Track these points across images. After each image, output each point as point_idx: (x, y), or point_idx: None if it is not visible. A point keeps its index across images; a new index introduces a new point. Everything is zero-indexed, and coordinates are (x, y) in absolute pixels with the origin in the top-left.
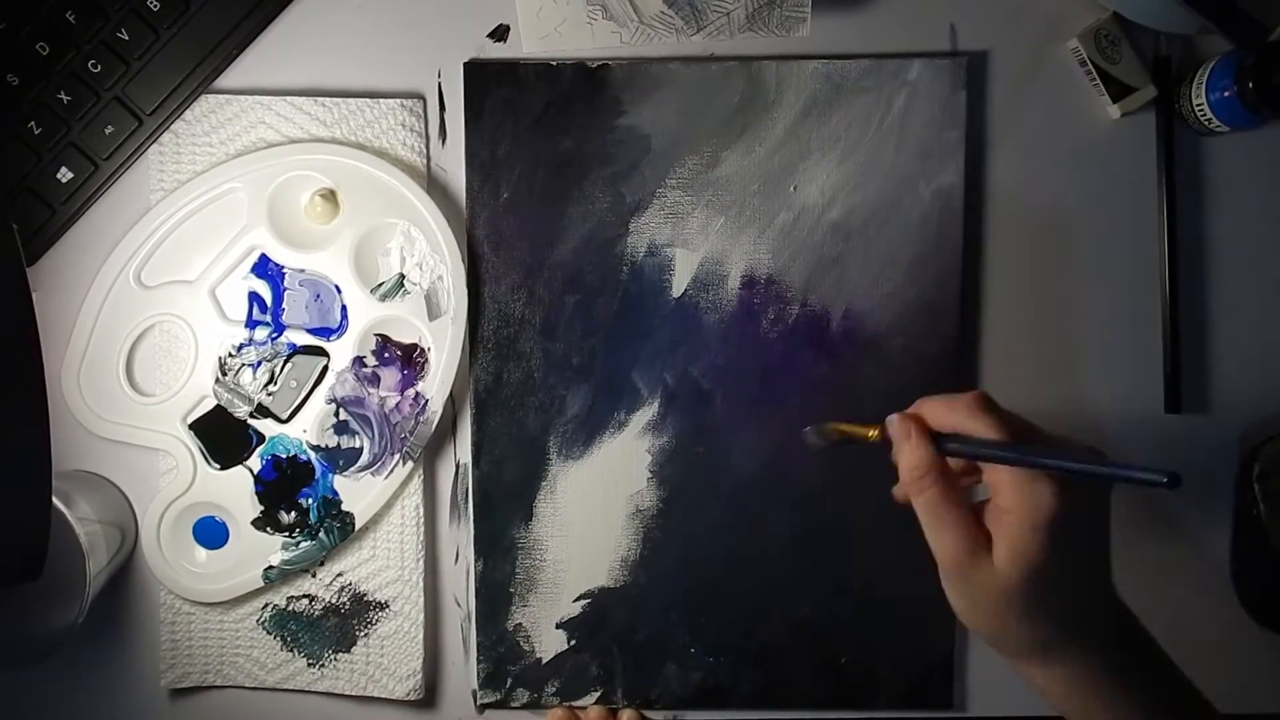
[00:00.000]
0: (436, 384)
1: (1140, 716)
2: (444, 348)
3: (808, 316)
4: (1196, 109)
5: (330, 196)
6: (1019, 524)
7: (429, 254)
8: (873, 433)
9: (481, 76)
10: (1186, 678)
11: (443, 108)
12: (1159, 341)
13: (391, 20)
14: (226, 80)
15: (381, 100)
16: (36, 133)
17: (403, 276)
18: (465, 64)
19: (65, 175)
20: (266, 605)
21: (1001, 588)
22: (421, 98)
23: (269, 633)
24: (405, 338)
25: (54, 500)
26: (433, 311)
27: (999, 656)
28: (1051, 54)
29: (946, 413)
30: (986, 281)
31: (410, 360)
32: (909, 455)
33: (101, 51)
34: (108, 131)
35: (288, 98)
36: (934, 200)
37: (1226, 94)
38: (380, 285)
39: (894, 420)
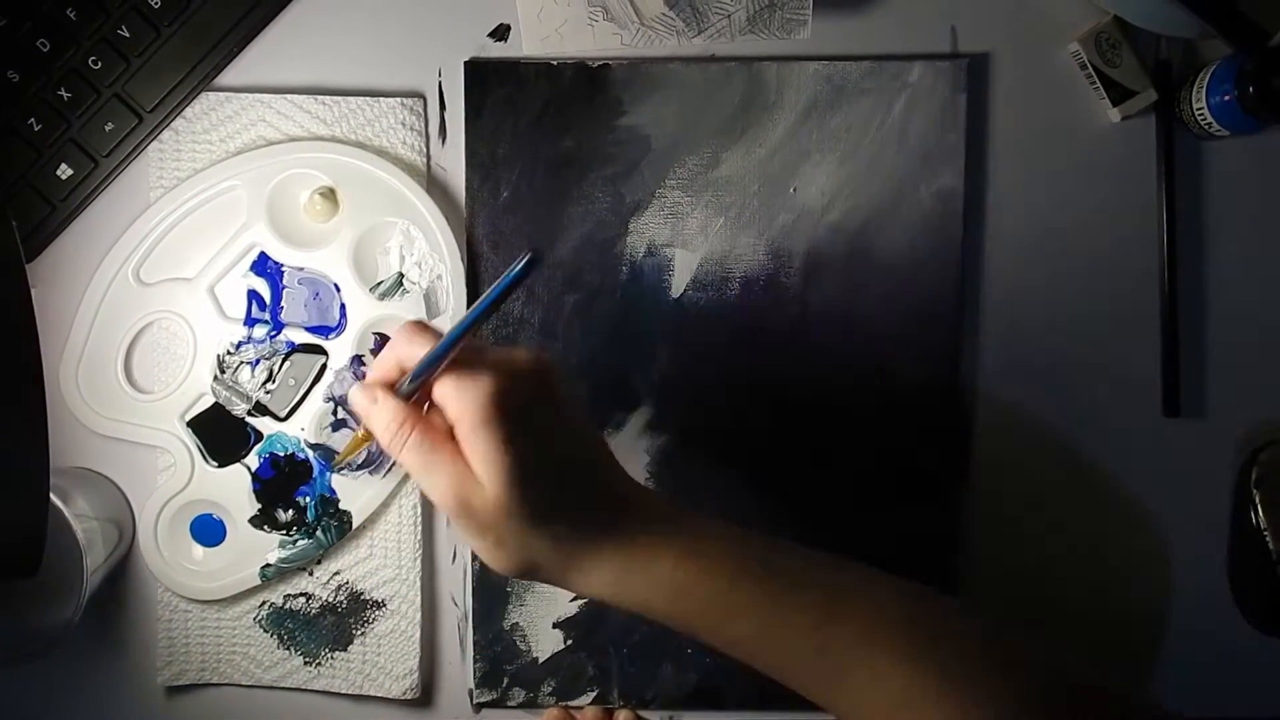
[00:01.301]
0: None
1: (696, 586)
2: None
3: (807, 318)
4: (1197, 113)
5: (330, 195)
6: (473, 426)
7: (428, 253)
8: (360, 432)
9: (482, 75)
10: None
11: (443, 107)
12: (1157, 345)
13: (392, 19)
14: (227, 78)
15: (382, 99)
16: (37, 129)
17: (402, 275)
18: (466, 63)
19: (65, 172)
20: (263, 603)
21: (497, 504)
22: (422, 97)
23: (266, 631)
24: None
25: (51, 497)
26: (431, 311)
27: (550, 589)
28: (1052, 57)
29: (390, 359)
30: (985, 284)
31: None
32: (378, 419)
33: (102, 48)
34: (108, 128)
35: (288, 96)
36: (934, 202)
37: (1227, 98)
38: (379, 284)
39: (351, 397)
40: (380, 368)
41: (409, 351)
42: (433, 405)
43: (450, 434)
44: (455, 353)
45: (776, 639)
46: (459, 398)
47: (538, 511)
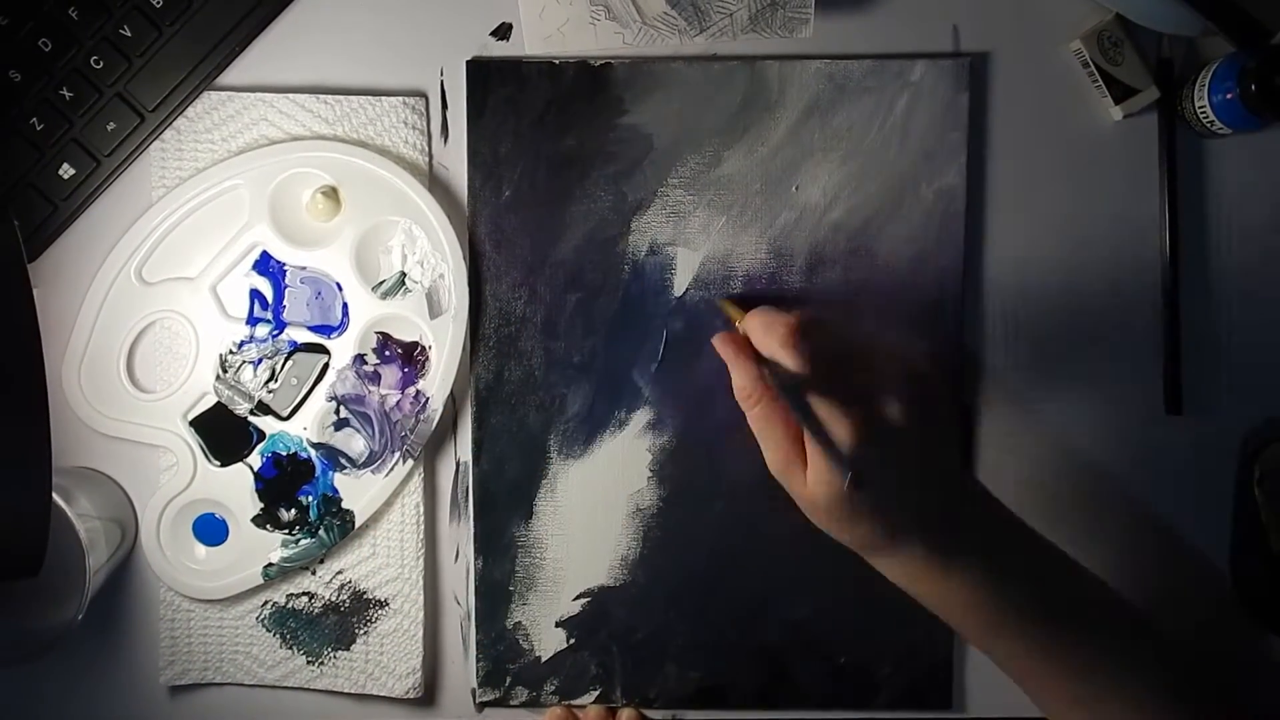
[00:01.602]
0: (437, 382)
1: (993, 597)
2: (445, 346)
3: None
4: (1199, 111)
5: (332, 194)
6: (814, 465)
7: (430, 252)
8: (738, 321)
9: (484, 74)
10: (1062, 556)
11: (445, 106)
12: (1159, 343)
13: (394, 18)
14: (229, 77)
15: (384, 98)
16: (39, 129)
17: (404, 274)
18: (468, 62)
19: (67, 171)
20: (266, 602)
21: (812, 501)
22: (424, 96)
23: (268, 630)
24: (406, 336)
25: (54, 497)
26: (434, 310)
27: (552, 589)
28: (1054, 55)
29: (764, 337)
30: (987, 282)
31: (411, 358)
32: (736, 375)
33: (104, 48)
34: (110, 128)
35: (290, 95)
36: (936, 201)
37: (1229, 96)
38: (381, 283)
39: (718, 340)
40: (754, 330)
41: (779, 354)
42: None
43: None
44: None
45: (1035, 684)
46: (826, 418)
47: (851, 519)
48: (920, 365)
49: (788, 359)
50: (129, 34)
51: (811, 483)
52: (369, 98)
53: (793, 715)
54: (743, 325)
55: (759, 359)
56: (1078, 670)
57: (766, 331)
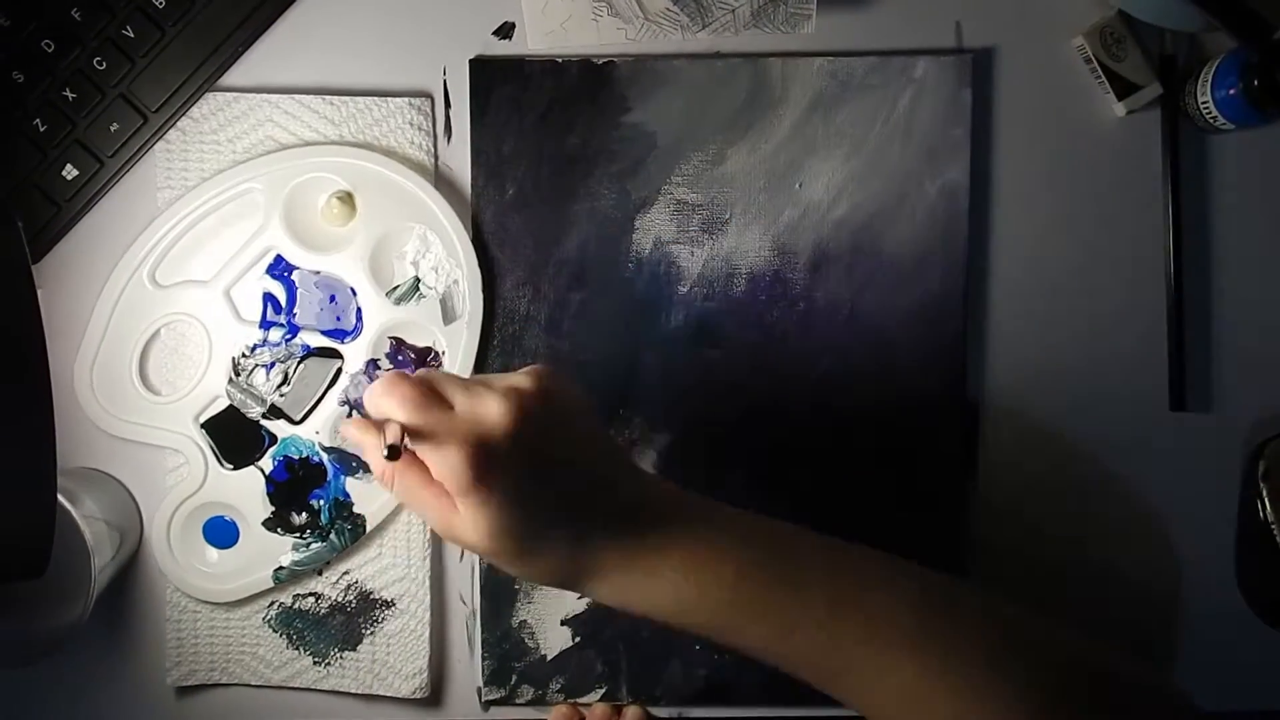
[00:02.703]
0: None
1: (700, 598)
2: (458, 351)
3: (812, 314)
4: (1202, 106)
5: (347, 199)
6: (453, 493)
7: (444, 258)
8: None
9: (487, 73)
10: (762, 522)
11: (448, 105)
12: (1163, 339)
13: (396, 17)
14: (231, 78)
15: (390, 99)
16: (42, 130)
17: (418, 280)
18: (471, 61)
19: (70, 172)
20: (273, 603)
21: (485, 548)
22: (429, 96)
23: (275, 631)
24: (419, 341)
25: (59, 498)
26: (447, 315)
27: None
28: (1057, 51)
29: (371, 401)
30: (991, 278)
31: (424, 363)
32: (371, 463)
33: (107, 48)
34: (113, 129)
35: (295, 96)
36: (939, 197)
37: (1232, 91)
38: (395, 288)
39: (347, 432)
40: (367, 406)
41: (383, 406)
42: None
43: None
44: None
45: (783, 644)
46: (435, 465)
47: (525, 553)
48: (518, 379)
49: (389, 407)
50: (132, 35)
51: (476, 533)
52: (375, 98)
53: (798, 712)
54: (365, 402)
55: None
56: (820, 636)
57: (370, 396)
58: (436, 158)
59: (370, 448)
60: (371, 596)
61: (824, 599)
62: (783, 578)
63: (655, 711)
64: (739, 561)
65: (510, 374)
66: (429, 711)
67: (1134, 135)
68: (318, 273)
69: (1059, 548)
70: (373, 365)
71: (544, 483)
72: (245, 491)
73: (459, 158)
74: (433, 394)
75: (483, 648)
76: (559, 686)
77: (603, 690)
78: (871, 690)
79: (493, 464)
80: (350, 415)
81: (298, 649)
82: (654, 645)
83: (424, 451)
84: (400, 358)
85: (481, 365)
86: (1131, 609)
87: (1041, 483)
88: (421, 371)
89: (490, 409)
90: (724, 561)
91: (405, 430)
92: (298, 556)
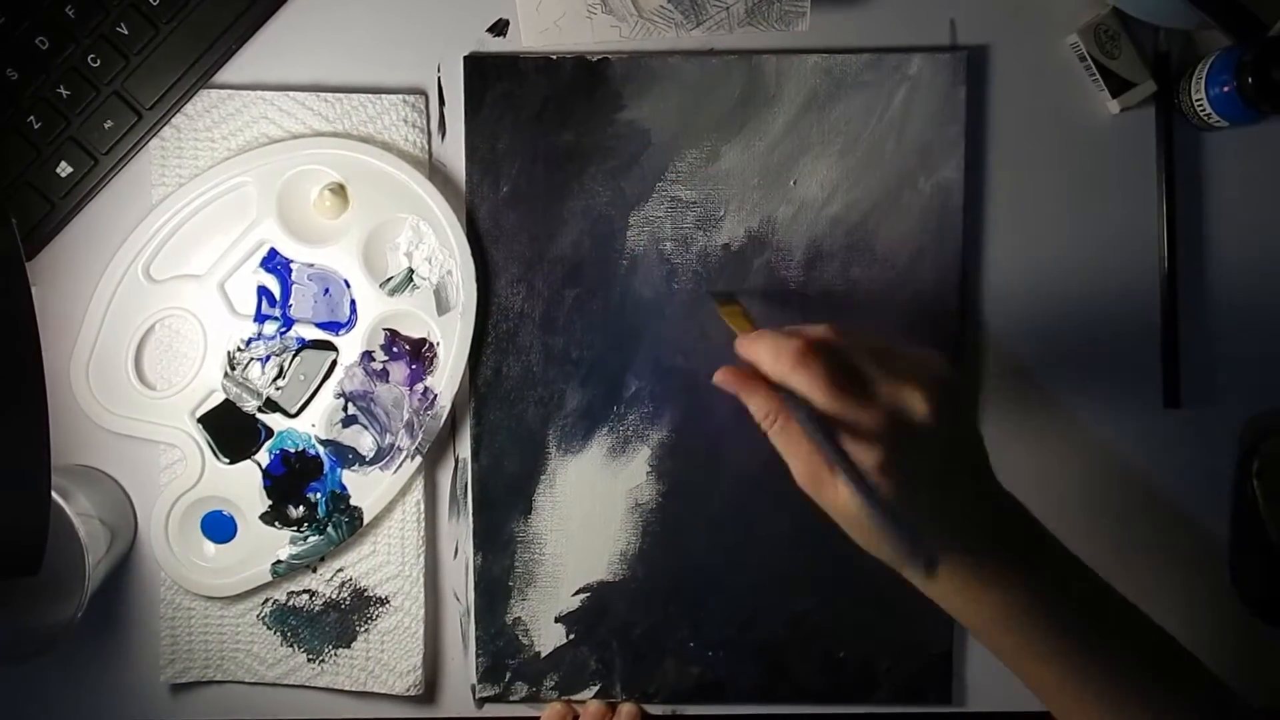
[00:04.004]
0: (445, 379)
1: (1030, 617)
2: (453, 343)
3: (807, 310)
4: (1196, 104)
5: (340, 191)
6: (853, 483)
7: (438, 249)
8: (740, 334)
9: (481, 70)
10: (1094, 576)
11: (442, 102)
12: (1158, 336)
13: (390, 14)
14: (226, 75)
15: (384, 96)
16: (36, 127)
17: (412, 271)
18: (465, 58)
19: (65, 170)
20: (267, 600)
21: (846, 516)
22: (423, 93)
23: (269, 628)
24: (414, 332)
25: (53, 495)
26: (441, 306)
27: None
28: (1051, 49)
29: (772, 363)
30: (985, 276)
31: (419, 355)
32: (750, 403)
33: (101, 46)
34: (107, 126)
35: (290, 93)
36: (934, 195)
37: (1226, 89)
38: (389, 280)
39: (721, 376)
40: (763, 355)
41: (792, 379)
42: None
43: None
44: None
45: (1062, 706)
46: (850, 447)
47: (877, 532)
48: (939, 369)
49: (800, 383)
50: (126, 32)
51: (845, 498)
52: (369, 95)
53: (792, 710)
54: (746, 351)
55: (769, 382)
56: (1110, 698)
57: (774, 358)
58: (431, 155)
59: (751, 396)
60: (366, 594)
61: (1106, 690)
62: (1084, 654)
63: (649, 709)
64: (1056, 618)
65: (925, 356)
66: (423, 708)
67: (1128, 132)
68: (311, 265)
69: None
70: (367, 357)
71: (937, 485)
72: (242, 485)
73: (453, 155)
74: (846, 375)
75: (477, 645)
76: (553, 684)
77: (597, 687)
78: None
79: (904, 466)
80: (346, 408)
81: (292, 646)
82: (648, 642)
83: (845, 437)
84: (395, 349)
85: (476, 363)
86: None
87: (1035, 479)
88: (827, 332)
89: (914, 405)
90: (1040, 615)
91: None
92: (296, 549)
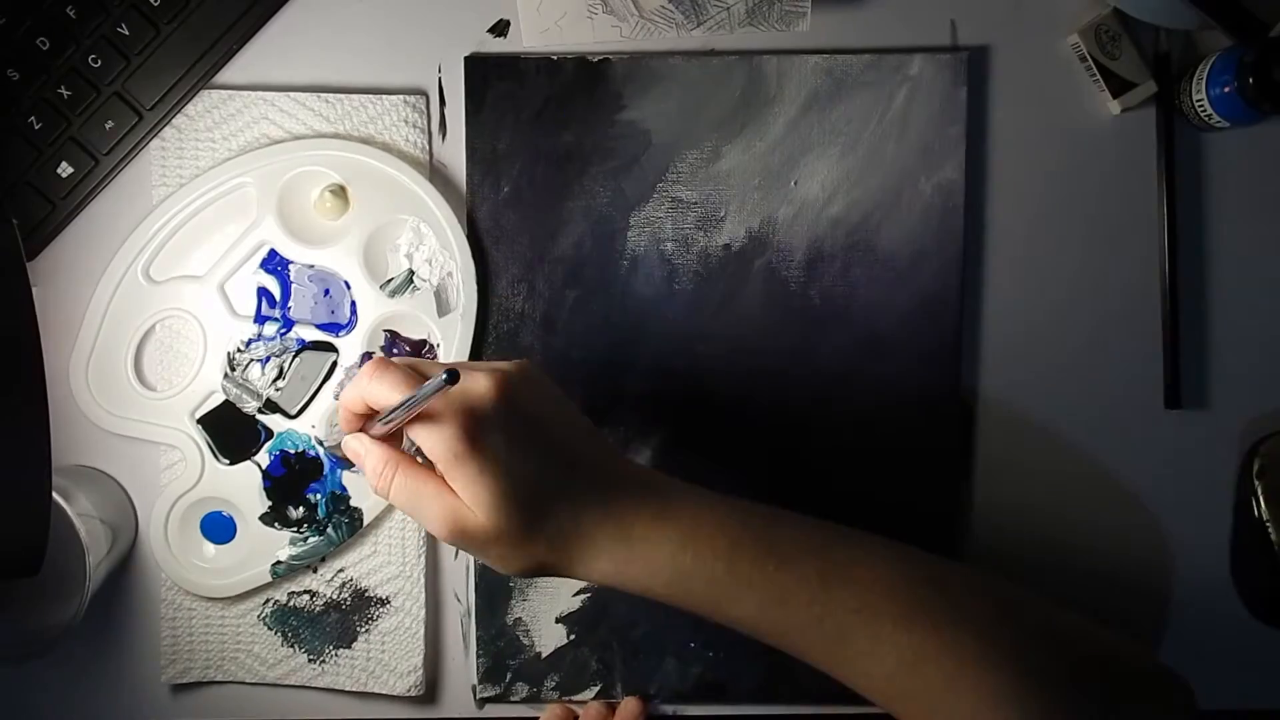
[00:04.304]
0: None
1: (694, 571)
2: (453, 344)
3: (808, 312)
4: (1197, 104)
5: (340, 192)
6: (447, 469)
7: (438, 250)
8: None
9: (482, 70)
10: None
11: (443, 102)
12: (1159, 337)
13: (391, 15)
14: (226, 76)
15: (385, 96)
16: (36, 128)
17: (412, 272)
18: (466, 58)
19: (65, 170)
20: (267, 601)
21: (490, 526)
22: (424, 94)
23: (270, 628)
24: (414, 334)
25: (54, 495)
26: (442, 308)
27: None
28: (1052, 50)
29: (356, 395)
30: (987, 276)
31: (419, 356)
32: (368, 465)
33: (102, 46)
34: (108, 126)
35: (290, 93)
36: (934, 195)
37: (1227, 89)
38: (389, 281)
39: (345, 447)
40: (348, 400)
41: (372, 391)
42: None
43: (433, 467)
44: (410, 415)
45: (776, 615)
46: (429, 441)
47: (528, 524)
48: (501, 372)
49: (380, 391)
50: (127, 32)
51: (469, 503)
52: (370, 96)
53: (793, 710)
54: (348, 449)
55: (377, 442)
56: (814, 610)
57: (357, 388)
58: (431, 155)
59: (365, 459)
60: (366, 594)
61: (815, 570)
62: (774, 549)
63: (649, 709)
64: (733, 532)
65: (489, 361)
66: (424, 709)
67: (1129, 133)
68: (312, 266)
69: (1054, 545)
70: (368, 358)
71: (534, 454)
72: (242, 486)
73: (454, 155)
74: (420, 376)
75: (477, 645)
76: (554, 684)
77: (597, 688)
78: (864, 662)
79: (484, 428)
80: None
81: (293, 646)
82: (648, 643)
83: (417, 430)
84: (395, 350)
85: (471, 359)
86: (1126, 607)
87: (1037, 480)
88: (403, 359)
89: (477, 382)
90: (719, 532)
91: (394, 420)
92: (295, 550)
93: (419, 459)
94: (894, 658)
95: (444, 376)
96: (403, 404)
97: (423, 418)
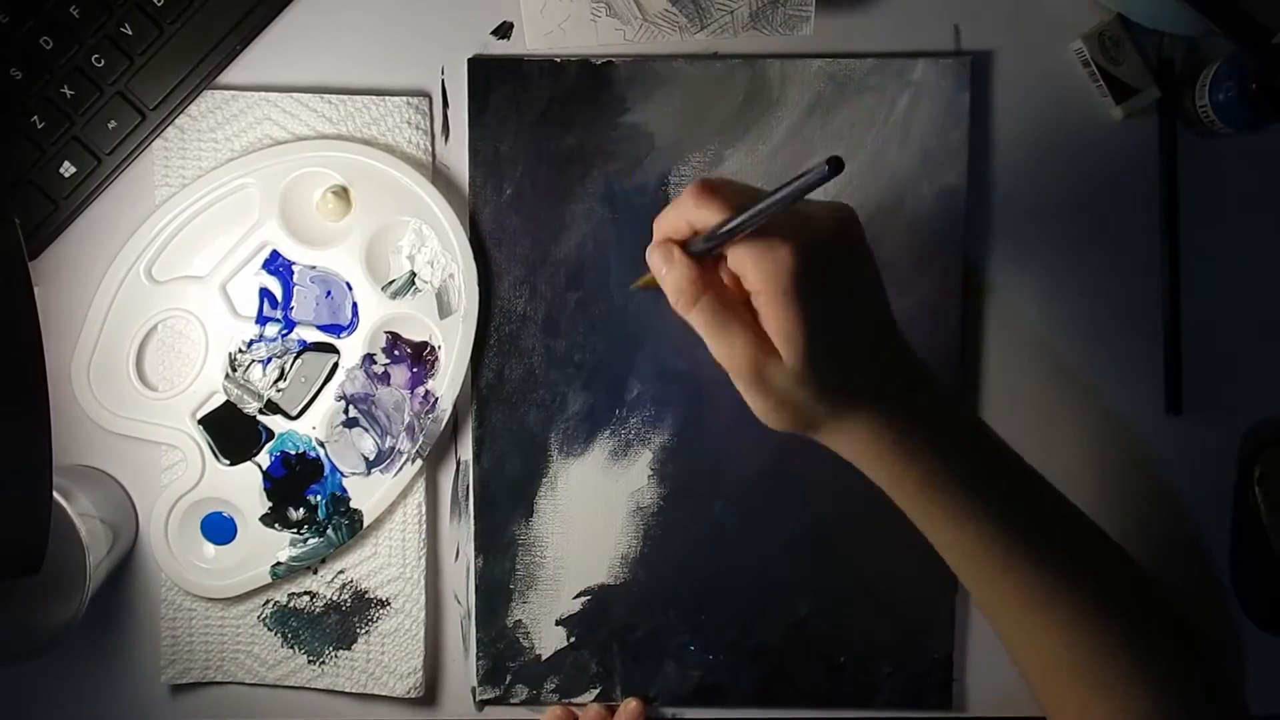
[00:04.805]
0: (446, 382)
1: (943, 480)
2: (454, 346)
3: None
4: (1199, 110)
5: (343, 193)
6: (771, 298)
7: (440, 252)
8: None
9: (485, 73)
10: (1004, 448)
11: (446, 104)
12: (1160, 342)
13: (394, 17)
14: (229, 76)
15: (388, 98)
16: (39, 127)
17: (414, 274)
18: (469, 61)
19: (68, 170)
20: (268, 602)
21: (793, 376)
22: (427, 95)
23: (270, 629)
24: (416, 335)
25: (54, 495)
26: (443, 309)
27: (552, 588)
28: (1055, 55)
29: (677, 218)
30: (988, 282)
31: (420, 358)
32: (671, 279)
33: (105, 46)
34: (111, 126)
35: (293, 94)
36: (937, 200)
37: (1230, 96)
38: (391, 283)
39: (650, 255)
40: (667, 225)
41: (698, 215)
42: (726, 265)
43: (743, 299)
44: (758, 221)
45: (1003, 547)
46: (757, 268)
47: (830, 384)
48: (832, 205)
49: (705, 214)
50: (130, 32)
51: (782, 346)
52: (373, 97)
53: (792, 714)
54: (650, 257)
55: (690, 258)
56: (1034, 562)
57: (676, 210)
58: (434, 157)
59: (670, 271)
60: (366, 596)
61: (1062, 536)
62: (1027, 488)
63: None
64: (996, 463)
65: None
66: (423, 711)
67: (1131, 139)
68: (314, 268)
69: None
70: (369, 360)
71: (858, 309)
72: (242, 487)
73: (457, 157)
74: (748, 197)
75: (477, 647)
76: (553, 687)
77: (597, 691)
78: (1053, 631)
79: (821, 264)
80: (347, 410)
81: (292, 648)
82: (648, 646)
83: (746, 251)
84: (396, 352)
85: (478, 365)
86: None
87: None
88: (723, 180)
89: (822, 215)
90: (964, 469)
91: (731, 235)
92: (295, 552)
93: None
94: (1076, 642)
95: (826, 167)
96: (767, 202)
97: (757, 236)
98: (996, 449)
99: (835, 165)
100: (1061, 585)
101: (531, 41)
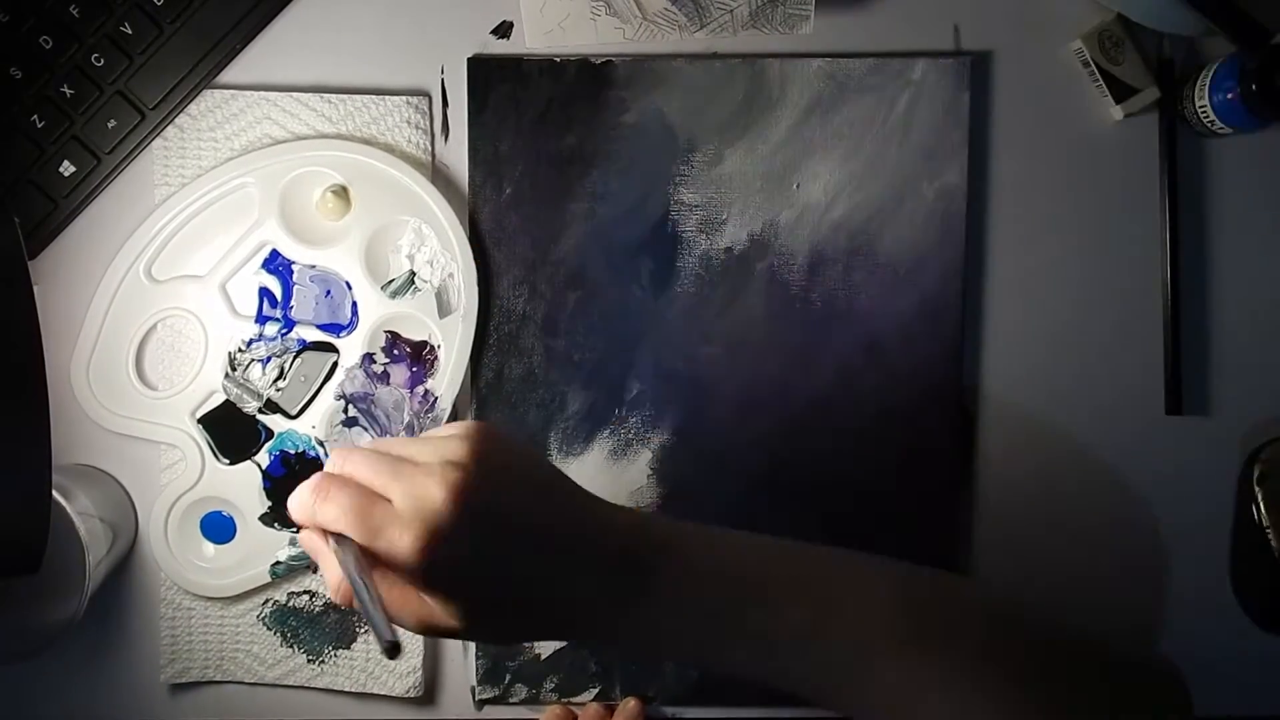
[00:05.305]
0: (446, 381)
1: (682, 633)
2: (454, 345)
3: (809, 315)
4: (1199, 111)
5: (342, 193)
6: (416, 582)
7: (440, 251)
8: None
9: (485, 72)
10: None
11: (445, 104)
12: (1160, 343)
13: (394, 16)
14: (229, 75)
15: (388, 97)
16: (39, 126)
17: (413, 274)
18: (469, 60)
19: (68, 169)
20: (267, 601)
21: (470, 632)
22: (427, 95)
23: (269, 628)
24: (415, 335)
25: (54, 494)
26: (443, 309)
27: None
28: (1055, 55)
29: (308, 518)
30: (988, 281)
31: (420, 358)
32: (326, 574)
33: (104, 45)
34: (110, 125)
35: (293, 94)
36: (937, 200)
37: (1229, 96)
38: (391, 282)
39: (303, 542)
40: (297, 516)
41: (325, 513)
42: None
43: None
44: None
45: (772, 666)
46: (391, 562)
47: (511, 620)
48: (450, 452)
49: (328, 516)
50: (130, 32)
51: (451, 622)
52: (372, 97)
53: (792, 714)
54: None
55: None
56: (811, 655)
57: (298, 505)
58: (434, 156)
59: (327, 560)
60: None
61: (809, 616)
62: (766, 598)
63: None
64: (724, 587)
65: (440, 439)
66: (423, 710)
67: (1131, 139)
68: (313, 267)
69: (1054, 551)
70: (368, 359)
71: (507, 542)
72: (242, 486)
73: (456, 157)
74: (369, 494)
75: (476, 646)
76: (553, 686)
77: (596, 690)
78: (863, 694)
79: (445, 541)
80: (347, 409)
81: (292, 647)
82: None
83: (377, 553)
84: (396, 352)
85: (478, 364)
86: (1125, 611)
87: (1037, 486)
88: (341, 458)
89: (429, 491)
90: (706, 587)
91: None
92: (295, 551)
93: None
94: (894, 692)
95: (385, 650)
96: (363, 599)
97: (379, 540)
98: (760, 581)
99: (391, 651)
100: (858, 662)
101: (531, 41)
